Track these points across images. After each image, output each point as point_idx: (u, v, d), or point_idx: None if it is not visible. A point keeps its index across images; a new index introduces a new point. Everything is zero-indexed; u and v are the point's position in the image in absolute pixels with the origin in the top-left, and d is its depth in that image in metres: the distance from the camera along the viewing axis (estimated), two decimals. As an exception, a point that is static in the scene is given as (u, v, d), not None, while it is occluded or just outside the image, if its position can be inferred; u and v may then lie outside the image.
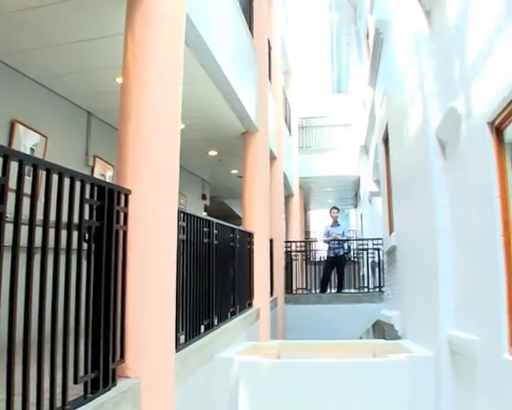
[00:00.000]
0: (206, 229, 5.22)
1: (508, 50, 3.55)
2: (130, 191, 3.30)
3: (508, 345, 3.78)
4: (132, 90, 3.55)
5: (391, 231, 9.22)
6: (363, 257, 12.88)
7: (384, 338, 9.50)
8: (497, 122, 4.00)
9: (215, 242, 5.57)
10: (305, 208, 23.70)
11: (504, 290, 3.84)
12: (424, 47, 5.84)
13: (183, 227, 4.40)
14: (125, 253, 3.22)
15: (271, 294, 10.07)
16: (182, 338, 4.25)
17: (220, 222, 5.90)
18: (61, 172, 2.48)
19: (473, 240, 4.57)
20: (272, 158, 11.22)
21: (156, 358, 3.41)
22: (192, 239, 4.68)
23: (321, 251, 14.36)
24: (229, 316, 6.29)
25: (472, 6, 4.32)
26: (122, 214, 3.22)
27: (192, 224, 4.69)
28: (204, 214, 11.54)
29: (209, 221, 5.39)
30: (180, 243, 4.19)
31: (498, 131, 4.03)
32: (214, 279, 5.50)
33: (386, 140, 9.40)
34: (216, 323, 5.53)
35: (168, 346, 3.61)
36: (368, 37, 12.27)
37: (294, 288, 12.98)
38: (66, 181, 2.53)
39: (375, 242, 12.28)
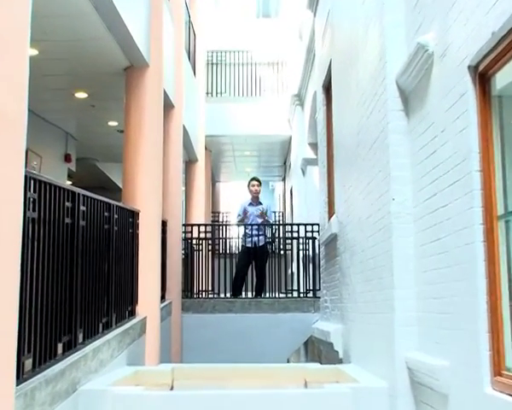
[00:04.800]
0: (68, 204, 5.16)
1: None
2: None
3: (490, 375, 3.85)
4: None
5: (331, 214, 9.33)
6: (292, 249, 13.07)
7: (320, 362, 9.67)
8: (482, 67, 4.05)
9: (82, 223, 5.53)
10: (214, 180, 23.79)
11: (485, 298, 3.92)
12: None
13: (34, 200, 4.32)
14: None
15: (163, 298, 10.03)
16: (28, 363, 4.14)
17: (90, 195, 5.85)
18: None
19: (443, 229, 4.64)
20: (168, 106, 11.08)
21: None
22: (48, 218, 4.62)
23: (234, 239, 14.42)
24: (100, 329, 6.27)
25: None
26: None
27: (48, 196, 4.62)
28: (67, 184, 11.24)
29: (73, 192, 5.33)
30: (29, 223, 4.12)
31: (484, 78, 4.09)
32: (79, 277, 5.45)
33: (328, 87, 9.49)
34: (81, 339, 5.51)
35: (5, 376, 3.43)
36: None
37: (196, 290, 12.98)
38: None
39: (310, 228, 12.47)
